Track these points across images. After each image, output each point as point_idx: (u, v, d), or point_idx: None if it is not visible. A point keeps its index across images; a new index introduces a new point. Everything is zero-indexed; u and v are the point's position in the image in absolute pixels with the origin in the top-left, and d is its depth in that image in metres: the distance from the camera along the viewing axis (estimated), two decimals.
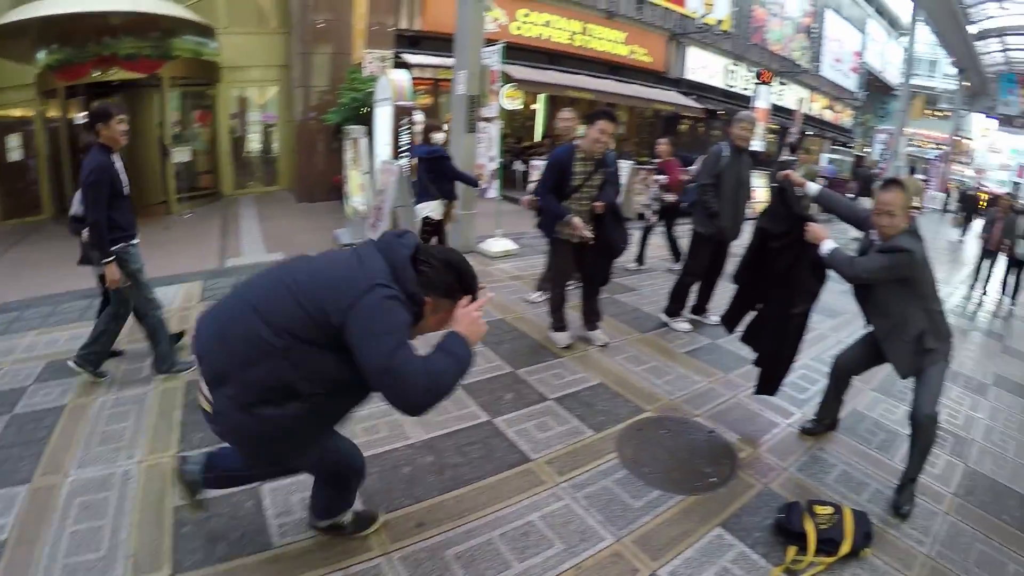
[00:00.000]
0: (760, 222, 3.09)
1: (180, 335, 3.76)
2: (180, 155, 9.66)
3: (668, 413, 3.37)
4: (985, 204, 18.65)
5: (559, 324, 4.14)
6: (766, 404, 3.55)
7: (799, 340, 3.07)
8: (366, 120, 7.63)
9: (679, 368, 3.98)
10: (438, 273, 1.70)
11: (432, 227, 5.31)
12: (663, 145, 6.30)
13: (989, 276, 8.14)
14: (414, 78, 10.77)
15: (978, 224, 16.74)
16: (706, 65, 16.42)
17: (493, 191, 6.81)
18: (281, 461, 1.88)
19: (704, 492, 2.67)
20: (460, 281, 1.74)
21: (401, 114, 6.51)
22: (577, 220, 3.64)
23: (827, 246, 2.74)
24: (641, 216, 6.87)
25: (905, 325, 2.69)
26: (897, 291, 2.68)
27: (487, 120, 6.70)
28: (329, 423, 1.82)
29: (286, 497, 2.41)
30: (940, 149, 28.85)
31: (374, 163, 6.54)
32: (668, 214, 6.29)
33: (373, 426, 2.95)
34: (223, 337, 1.62)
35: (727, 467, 2.89)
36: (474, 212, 6.47)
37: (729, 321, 3.38)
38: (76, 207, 3.37)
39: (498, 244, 6.49)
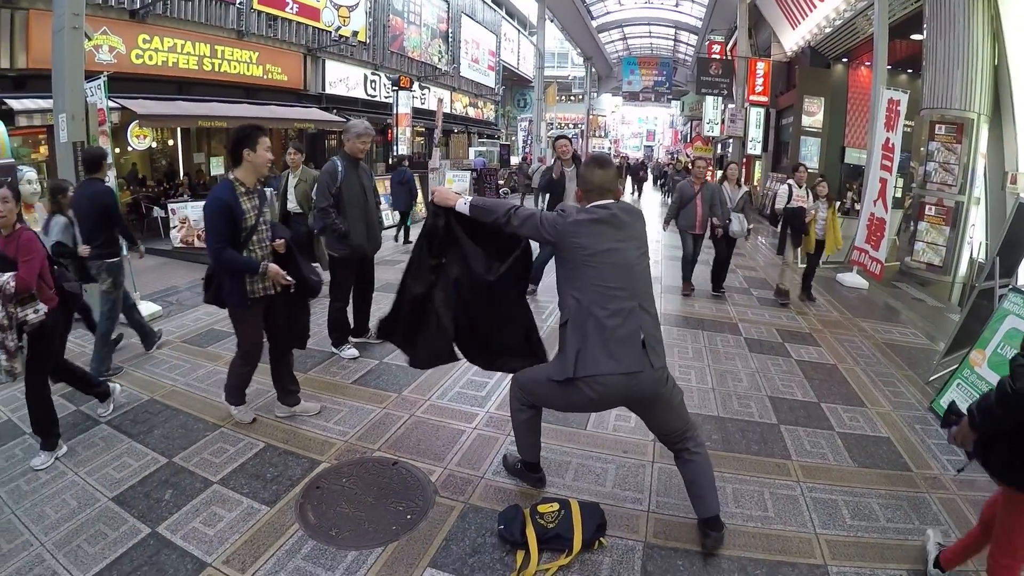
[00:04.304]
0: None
1: None
2: None
3: (345, 457, 3.07)
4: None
5: (241, 398, 3.42)
6: (446, 414, 3.53)
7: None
8: None
9: (349, 402, 3.70)
10: None
11: None
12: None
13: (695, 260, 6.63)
14: (23, 127, 8.62)
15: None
16: (345, 78, 16.27)
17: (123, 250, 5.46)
18: None
19: (404, 534, 2.45)
20: None
21: None
22: (274, 267, 3.07)
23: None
24: None
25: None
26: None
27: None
28: None
29: None
30: (578, 128, 34.80)
31: None
32: None
33: None
34: None
35: (421, 497, 2.72)
36: None
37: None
38: None
39: (141, 309, 5.27)
